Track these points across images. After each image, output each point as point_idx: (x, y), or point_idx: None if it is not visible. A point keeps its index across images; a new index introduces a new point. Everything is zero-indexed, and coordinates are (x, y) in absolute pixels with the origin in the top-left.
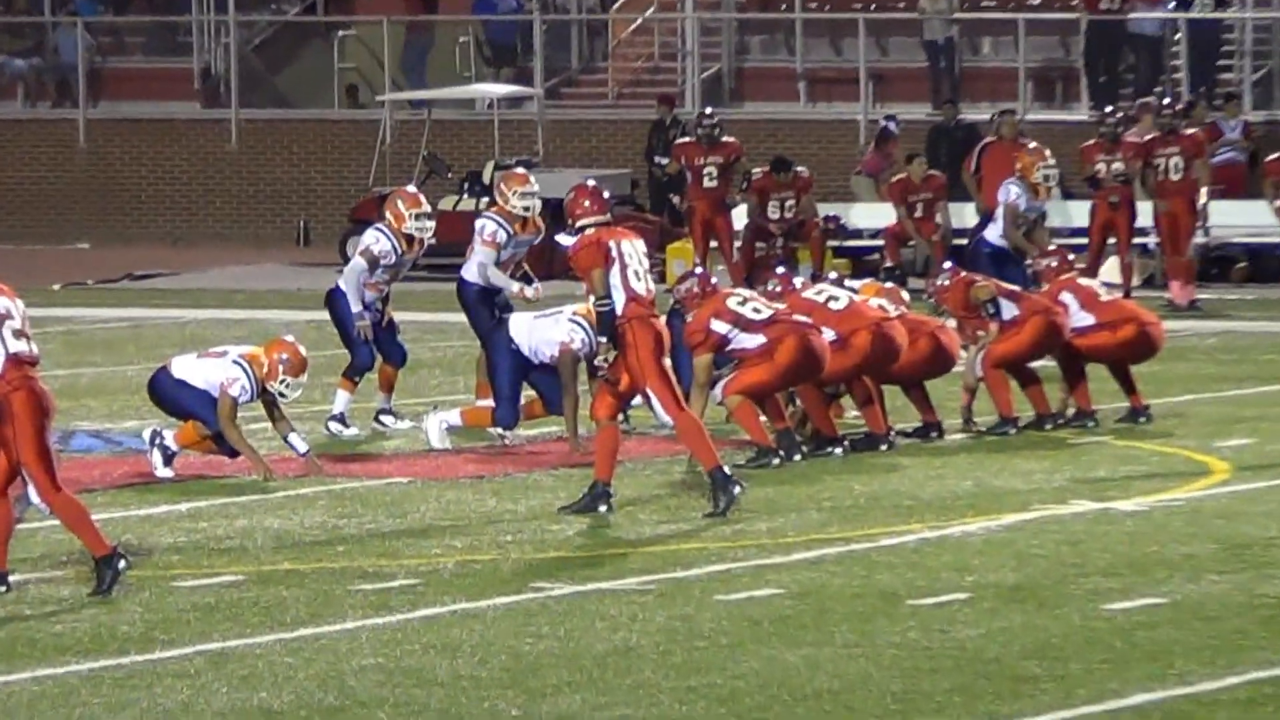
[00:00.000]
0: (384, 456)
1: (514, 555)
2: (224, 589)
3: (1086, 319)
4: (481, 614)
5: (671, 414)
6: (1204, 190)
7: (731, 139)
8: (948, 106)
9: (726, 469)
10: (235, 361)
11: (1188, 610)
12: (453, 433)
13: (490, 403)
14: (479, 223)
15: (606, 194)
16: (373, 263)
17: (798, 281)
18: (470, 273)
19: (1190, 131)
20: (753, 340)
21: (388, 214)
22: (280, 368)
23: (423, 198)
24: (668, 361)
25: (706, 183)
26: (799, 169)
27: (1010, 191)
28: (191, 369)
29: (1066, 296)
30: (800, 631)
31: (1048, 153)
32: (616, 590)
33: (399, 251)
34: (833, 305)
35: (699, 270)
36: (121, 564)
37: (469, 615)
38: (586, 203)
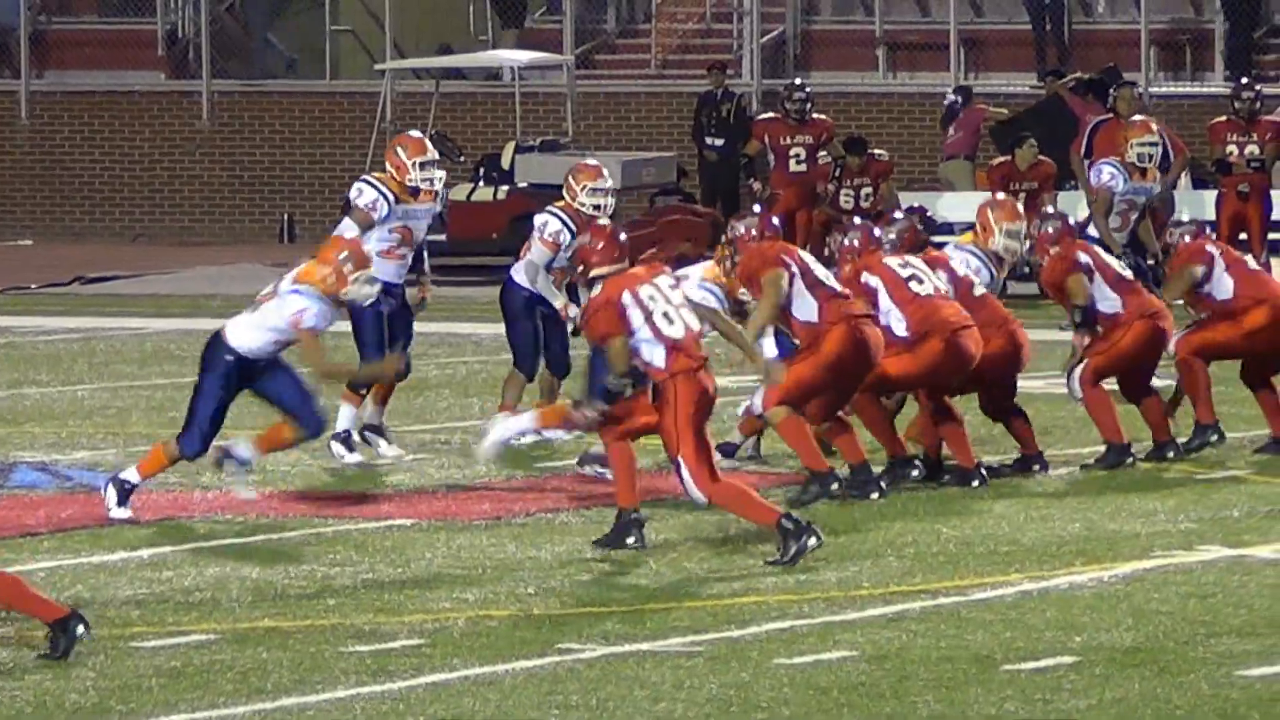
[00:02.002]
0: (383, 495)
1: (536, 611)
2: (192, 650)
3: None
4: (498, 680)
5: (705, 490)
6: None
7: (823, 116)
8: (1051, 79)
9: (794, 516)
10: (293, 291)
11: None
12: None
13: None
14: (540, 218)
15: (623, 236)
16: (365, 224)
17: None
18: (521, 274)
19: None
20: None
21: (386, 164)
22: (348, 269)
23: (429, 144)
24: (709, 426)
25: (793, 166)
26: (877, 151)
27: (1103, 173)
28: (249, 331)
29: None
30: (877, 702)
31: (1154, 125)
32: (659, 652)
33: (391, 200)
34: (915, 288)
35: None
36: (80, 629)
37: (483, 682)
38: (600, 246)
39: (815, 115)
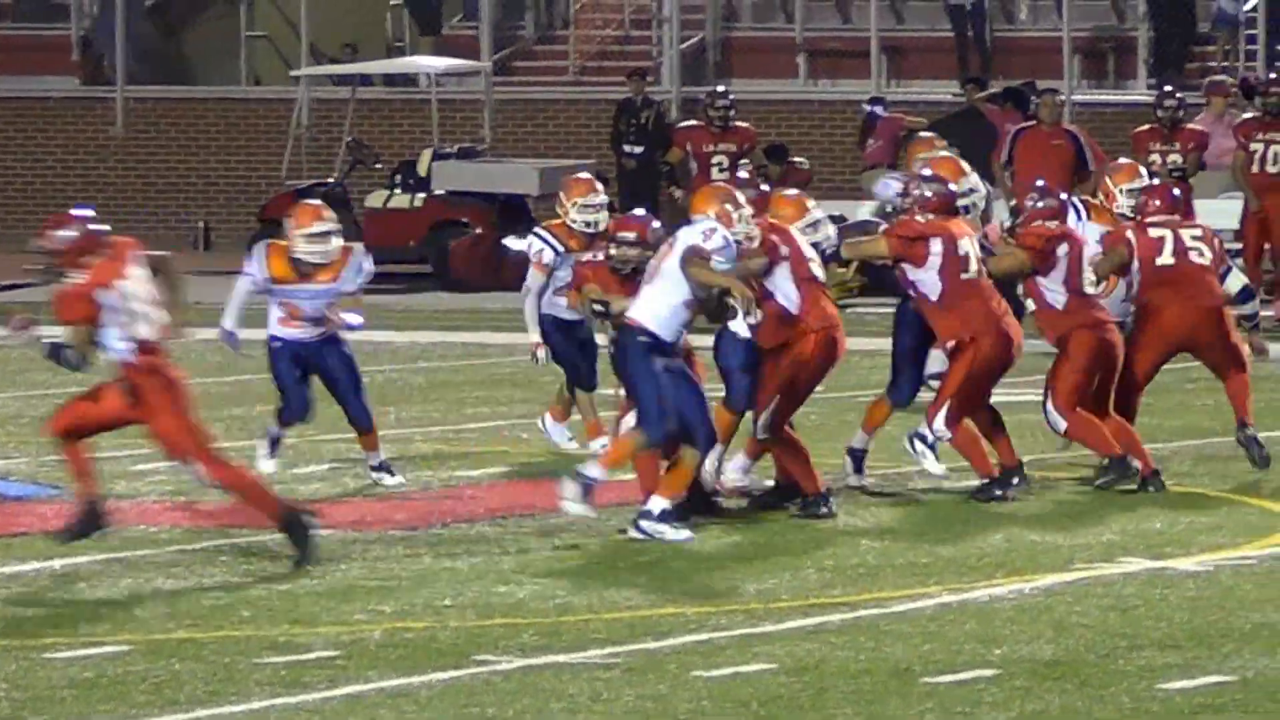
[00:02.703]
0: (295, 500)
1: (453, 623)
2: (106, 661)
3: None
4: (414, 692)
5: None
6: None
7: (745, 124)
8: (971, 87)
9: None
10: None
11: (1260, 690)
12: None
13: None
14: (526, 240)
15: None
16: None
17: None
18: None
19: None
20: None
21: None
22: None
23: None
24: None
25: (716, 174)
26: (797, 160)
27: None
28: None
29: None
30: (796, 714)
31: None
32: (576, 664)
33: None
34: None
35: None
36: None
37: (399, 694)
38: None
39: (737, 123)
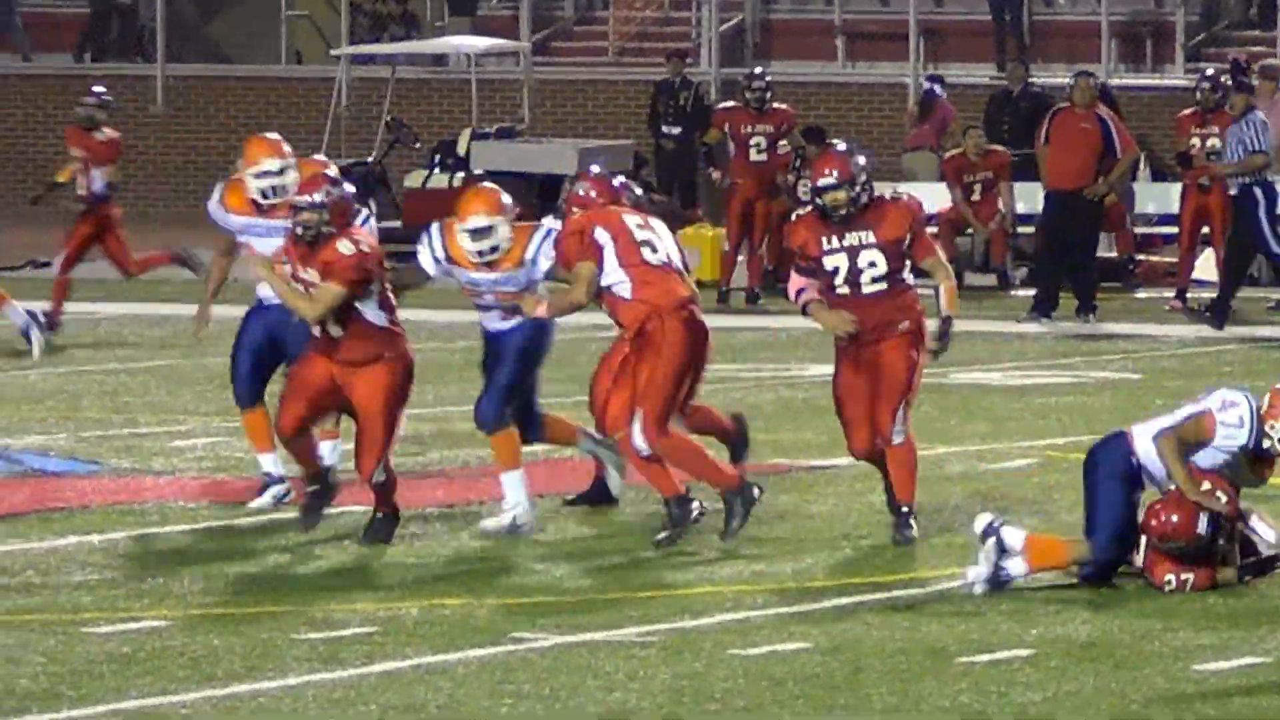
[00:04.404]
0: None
1: (489, 600)
2: (144, 636)
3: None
4: (450, 669)
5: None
6: None
7: (784, 106)
8: (1014, 66)
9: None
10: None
11: None
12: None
13: None
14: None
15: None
16: None
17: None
18: None
19: None
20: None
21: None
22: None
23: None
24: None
25: (754, 155)
26: (835, 142)
27: None
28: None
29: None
30: (831, 693)
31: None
32: (612, 642)
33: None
34: (647, 254)
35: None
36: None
37: (435, 670)
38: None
39: (776, 105)
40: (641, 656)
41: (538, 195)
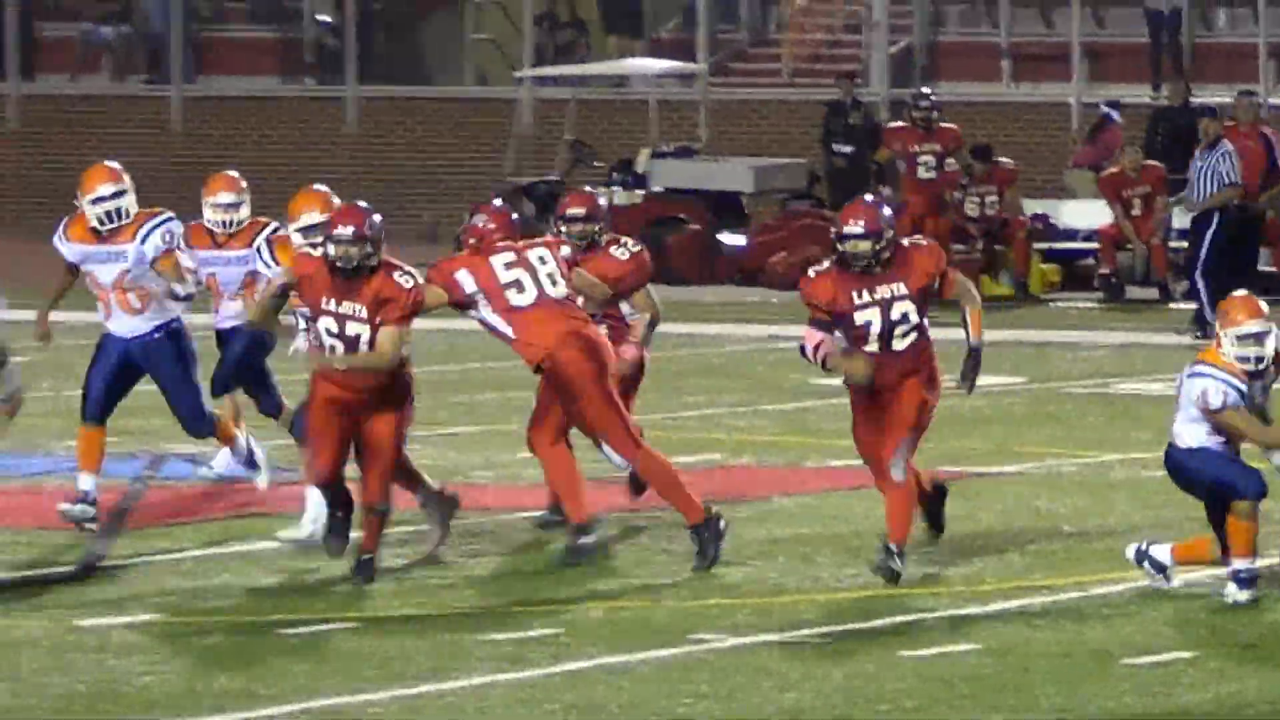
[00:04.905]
0: (520, 488)
1: (669, 602)
2: (335, 637)
3: None
4: (632, 669)
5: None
6: None
7: (951, 125)
8: (1174, 84)
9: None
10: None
11: None
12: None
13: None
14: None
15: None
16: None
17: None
18: None
19: None
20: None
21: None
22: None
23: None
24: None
25: (922, 173)
26: (1001, 159)
27: None
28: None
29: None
30: (999, 694)
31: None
32: (787, 643)
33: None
34: (514, 299)
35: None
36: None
37: (616, 671)
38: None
39: (943, 124)
40: (815, 657)
41: (714, 211)
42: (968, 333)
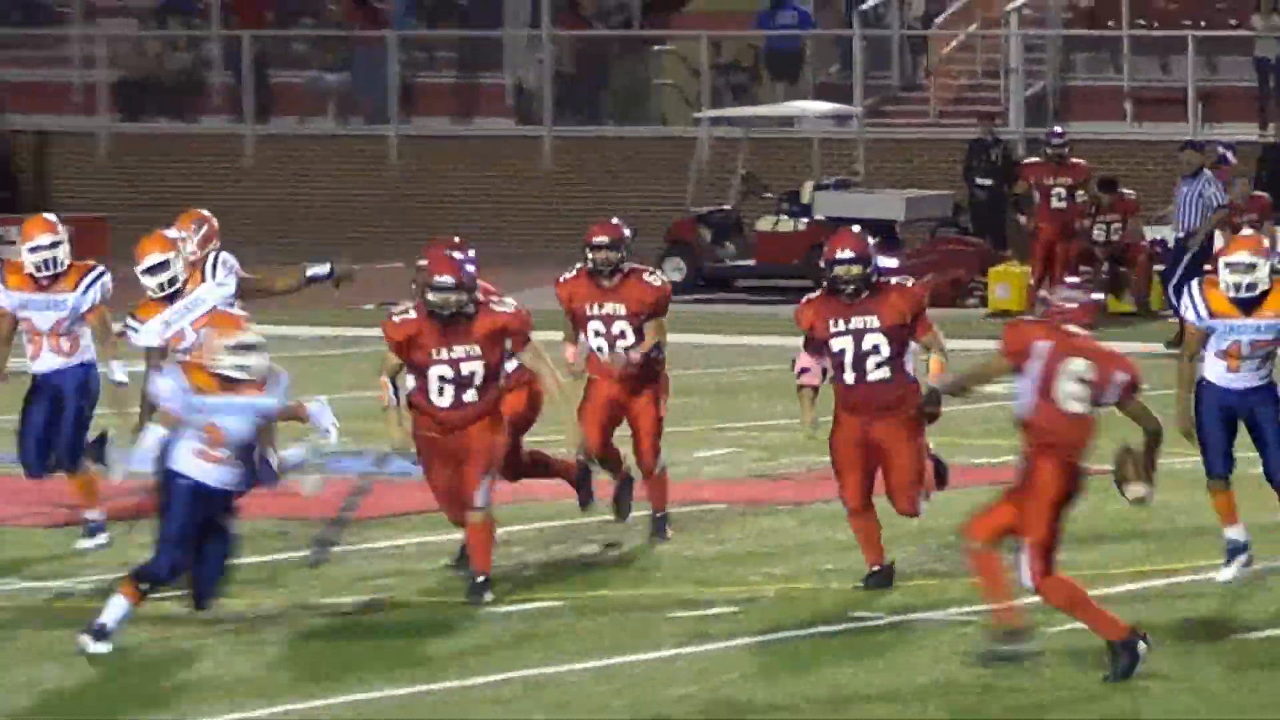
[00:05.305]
0: (701, 482)
1: (834, 585)
2: (538, 616)
3: None
4: (802, 642)
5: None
6: None
7: (1080, 160)
8: (1278, 124)
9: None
10: None
11: None
12: None
13: None
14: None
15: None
16: None
17: None
18: None
19: None
20: None
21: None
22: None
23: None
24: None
25: (1055, 204)
26: (1125, 191)
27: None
28: None
29: None
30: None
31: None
32: (939, 620)
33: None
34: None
35: None
36: (1142, 648)
37: (789, 644)
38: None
39: (1074, 159)
40: (964, 632)
41: (870, 236)
42: (929, 374)
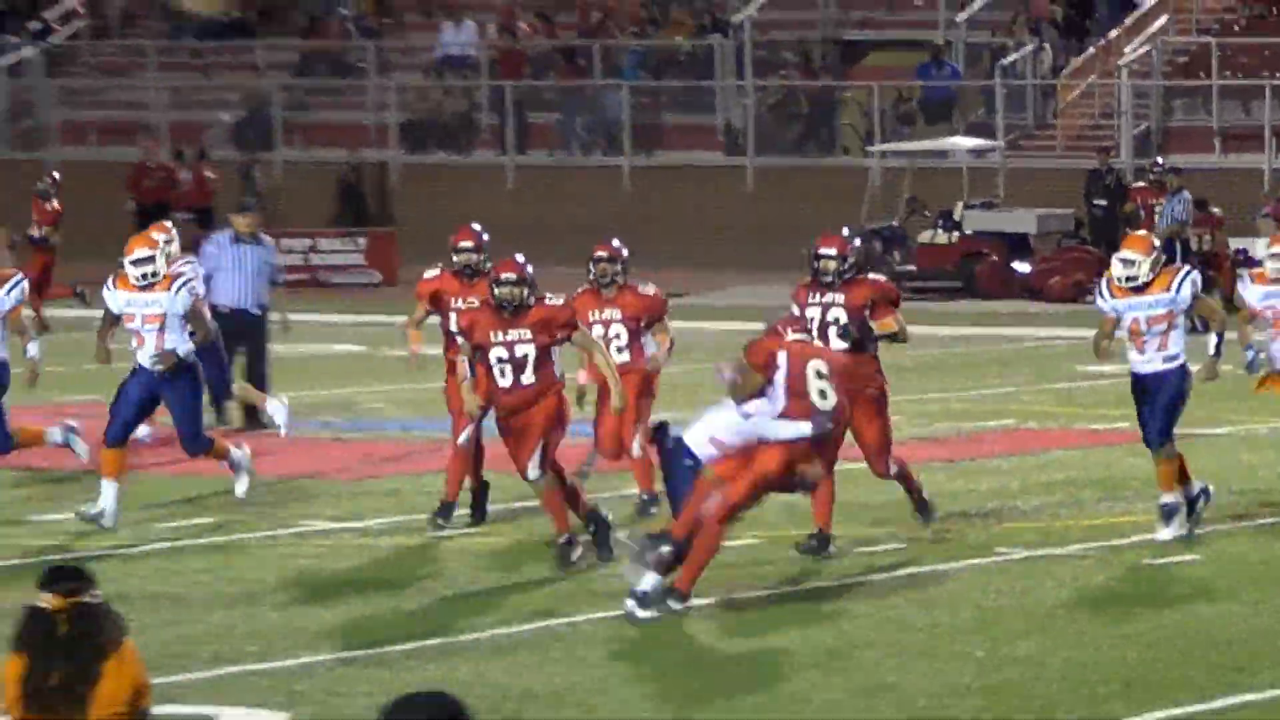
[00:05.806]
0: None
1: (978, 525)
2: (738, 551)
3: None
4: (953, 575)
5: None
6: None
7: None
8: None
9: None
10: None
11: None
12: None
13: None
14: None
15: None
16: None
17: None
18: None
19: None
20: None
21: None
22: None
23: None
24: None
25: (1156, 221)
26: (1214, 209)
27: None
28: None
29: None
30: (1218, 593)
31: None
32: (1061, 555)
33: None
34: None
35: None
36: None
37: (943, 575)
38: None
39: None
40: (1082, 566)
41: (1009, 247)
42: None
